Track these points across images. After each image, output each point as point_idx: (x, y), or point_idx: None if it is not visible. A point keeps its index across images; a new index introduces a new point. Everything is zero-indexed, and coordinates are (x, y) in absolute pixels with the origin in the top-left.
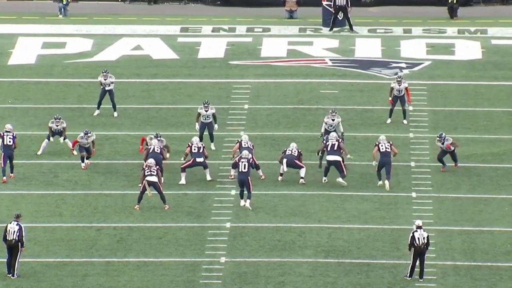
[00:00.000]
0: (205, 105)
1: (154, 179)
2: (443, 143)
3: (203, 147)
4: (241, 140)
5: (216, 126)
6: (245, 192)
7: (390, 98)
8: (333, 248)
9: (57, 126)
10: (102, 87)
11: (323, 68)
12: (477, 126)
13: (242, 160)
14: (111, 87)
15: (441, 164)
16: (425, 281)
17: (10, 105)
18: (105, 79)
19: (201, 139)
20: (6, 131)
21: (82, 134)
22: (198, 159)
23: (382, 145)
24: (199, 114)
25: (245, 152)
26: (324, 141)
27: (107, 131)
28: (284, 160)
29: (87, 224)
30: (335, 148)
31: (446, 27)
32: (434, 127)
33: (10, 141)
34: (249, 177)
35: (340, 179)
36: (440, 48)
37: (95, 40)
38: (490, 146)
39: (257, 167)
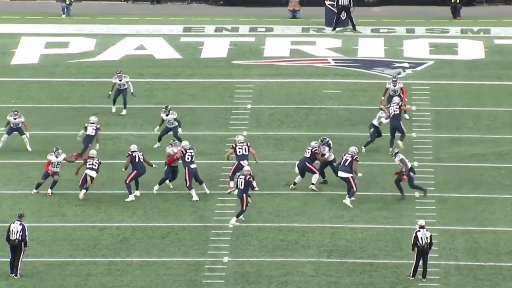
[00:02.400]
0: (164, 109)
1: (94, 174)
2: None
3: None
4: (236, 146)
5: (179, 129)
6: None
7: (382, 98)
8: (336, 247)
9: (15, 119)
10: (116, 87)
11: (326, 68)
12: (480, 125)
13: (240, 177)
14: (126, 86)
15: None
16: (428, 281)
17: (13, 105)
18: (120, 80)
19: (159, 140)
20: (91, 123)
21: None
22: (192, 166)
23: (391, 108)
24: (162, 119)
25: (246, 169)
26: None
27: (110, 130)
28: (296, 164)
29: (90, 224)
30: (346, 164)
31: (449, 26)
32: (437, 127)
33: (92, 132)
34: (244, 194)
35: (346, 200)
36: (443, 47)
37: (98, 39)
38: (493, 146)
39: (252, 186)
